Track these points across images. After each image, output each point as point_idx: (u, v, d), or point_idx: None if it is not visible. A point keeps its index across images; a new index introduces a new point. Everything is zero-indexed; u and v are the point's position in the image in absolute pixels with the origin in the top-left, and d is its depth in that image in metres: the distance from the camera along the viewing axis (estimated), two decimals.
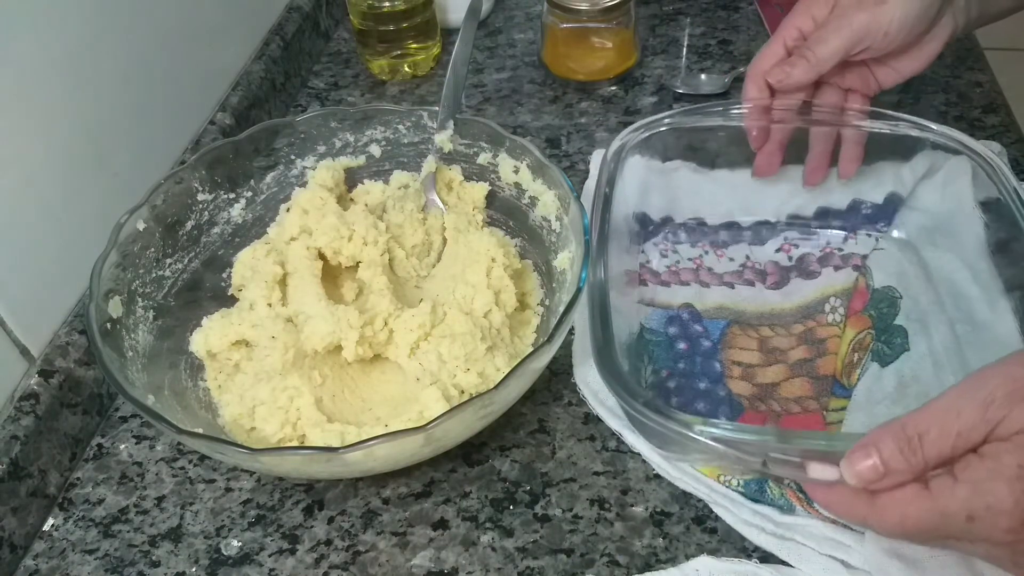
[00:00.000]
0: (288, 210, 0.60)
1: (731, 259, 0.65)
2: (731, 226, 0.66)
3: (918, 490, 0.35)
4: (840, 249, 0.64)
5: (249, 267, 0.59)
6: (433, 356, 0.54)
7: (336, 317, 0.54)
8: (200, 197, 0.60)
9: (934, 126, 0.60)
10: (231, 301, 0.60)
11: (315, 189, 0.60)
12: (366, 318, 0.54)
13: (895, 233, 0.64)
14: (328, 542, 0.51)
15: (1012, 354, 0.35)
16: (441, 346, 0.54)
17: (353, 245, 0.58)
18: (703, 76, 0.82)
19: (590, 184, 0.70)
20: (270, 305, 0.56)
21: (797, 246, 0.65)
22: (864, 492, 0.37)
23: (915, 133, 0.60)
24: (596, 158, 0.73)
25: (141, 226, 0.55)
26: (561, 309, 0.52)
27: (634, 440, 0.53)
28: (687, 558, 0.48)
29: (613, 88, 0.83)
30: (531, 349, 0.54)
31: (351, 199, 0.64)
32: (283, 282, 0.58)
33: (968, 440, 0.34)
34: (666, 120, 0.62)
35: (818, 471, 0.38)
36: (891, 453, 0.35)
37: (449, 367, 0.53)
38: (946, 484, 0.35)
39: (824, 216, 0.65)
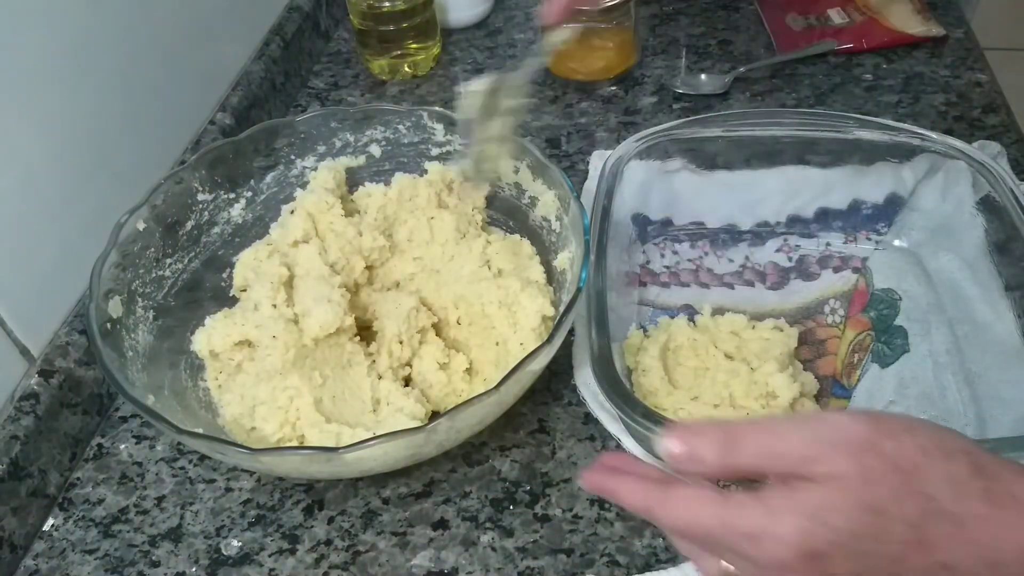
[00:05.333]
0: (292, 212, 0.60)
1: (731, 260, 0.65)
2: (730, 227, 0.66)
3: (714, 496, 0.36)
4: (840, 252, 0.64)
5: (251, 268, 0.59)
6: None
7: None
8: (200, 197, 0.60)
9: (934, 135, 0.60)
10: (231, 301, 0.60)
11: (320, 192, 0.60)
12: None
13: (895, 235, 0.64)
14: (328, 542, 0.51)
15: (862, 412, 0.37)
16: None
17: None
18: (703, 76, 0.82)
19: (590, 184, 0.70)
20: (275, 306, 0.56)
21: (797, 247, 0.65)
22: (660, 483, 0.37)
23: (915, 142, 0.60)
24: (596, 158, 0.73)
25: (141, 226, 0.55)
26: (561, 309, 0.52)
27: (632, 445, 0.53)
28: (687, 558, 0.48)
29: (613, 88, 0.83)
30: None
31: (352, 200, 0.64)
32: (288, 284, 0.58)
33: (781, 465, 0.35)
34: (663, 134, 0.62)
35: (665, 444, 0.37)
36: (709, 445, 0.36)
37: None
38: (743, 500, 0.35)
39: (824, 217, 0.65)
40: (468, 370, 0.57)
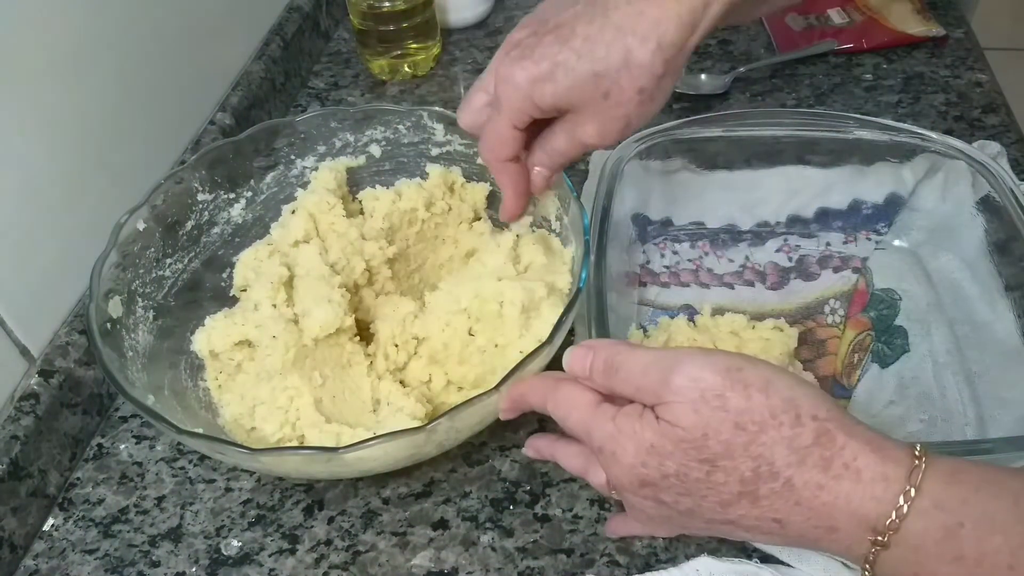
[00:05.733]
0: (294, 212, 0.60)
1: (731, 260, 0.65)
2: (731, 227, 0.66)
3: (589, 399, 0.41)
4: (840, 252, 0.64)
5: (252, 268, 0.58)
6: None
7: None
8: (200, 197, 0.60)
9: (934, 135, 0.60)
10: (232, 301, 0.60)
11: (321, 193, 0.60)
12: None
13: (895, 235, 0.64)
14: (328, 542, 0.51)
15: (725, 359, 0.38)
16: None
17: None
18: (703, 76, 0.82)
19: (590, 184, 0.70)
20: (275, 306, 0.56)
21: (797, 247, 0.65)
22: (557, 379, 0.43)
23: (915, 142, 0.60)
24: (596, 158, 0.73)
25: (141, 226, 0.55)
26: (561, 309, 0.51)
27: None
28: (687, 558, 0.48)
29: None
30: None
31: (355, 199, 0.64)
32: (288, 284, 0.58)
33: (642, 398, 0.39)
34: (663, 134, 0.62)
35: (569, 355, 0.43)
36: (597, 366, 0.41)
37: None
38: (604, 415, 0.40)
39: (824, 217, 0.65)
40: None
